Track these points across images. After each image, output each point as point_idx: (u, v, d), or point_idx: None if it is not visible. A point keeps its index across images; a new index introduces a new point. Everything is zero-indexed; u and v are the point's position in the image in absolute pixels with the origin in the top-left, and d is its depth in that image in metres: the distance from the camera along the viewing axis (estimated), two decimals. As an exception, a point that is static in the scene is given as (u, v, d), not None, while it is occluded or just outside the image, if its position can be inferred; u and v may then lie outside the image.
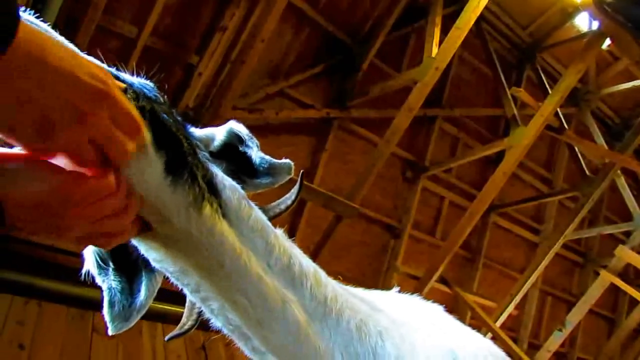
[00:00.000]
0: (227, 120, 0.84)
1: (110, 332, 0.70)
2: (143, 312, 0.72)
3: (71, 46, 0.49)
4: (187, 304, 0.91)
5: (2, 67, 0.42)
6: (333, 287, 0.79)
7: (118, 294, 0.71)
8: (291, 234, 0.81)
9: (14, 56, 0.42)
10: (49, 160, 0.49)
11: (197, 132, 0.78)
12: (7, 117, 0.45)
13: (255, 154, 0.80)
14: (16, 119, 0.45)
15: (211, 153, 0.78)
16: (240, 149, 0.80)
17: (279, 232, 0.77)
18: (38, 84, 0.44)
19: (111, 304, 0.70)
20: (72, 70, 0.46)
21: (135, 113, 0.53)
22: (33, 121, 0.45)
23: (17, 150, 0.49)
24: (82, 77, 0.47)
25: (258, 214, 0.74)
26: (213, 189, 0.68)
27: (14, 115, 0.45)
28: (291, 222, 4.85)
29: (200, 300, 0.74)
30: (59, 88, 0.45)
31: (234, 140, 0.81)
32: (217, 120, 3.82)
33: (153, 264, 0.70)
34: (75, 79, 0.46)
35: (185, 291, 0.74)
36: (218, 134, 0.82)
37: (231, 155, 0.80)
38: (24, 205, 0.47)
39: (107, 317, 0.70)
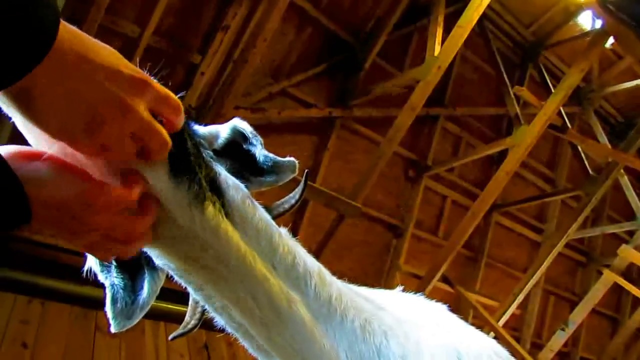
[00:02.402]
0: (230, 119, 0.84)
1: (112, 330, 0.70)
2: (146, 309, 0.71)
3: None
4: (190, 303, 0.91)
5: (52, 68, 0.42)
6: (337, 286, 0.79)
7: (121, 291, 0.70)
8: (293, 233, 0.80)
9: (61, 54, 0.42)
10: (76, 165, 0.50)
11: (200, 129, 0.77)
12: (58, 119, 0.45)
13: (259, 151, 0.79)
14: (67, 120, 0.45)
15: (215, 151, 0.77)
16: (244, 146, 0.80)
17: (283, 231, 0.76)
18: (86, 81, 0.45)
19: (114, 301, 0.70)
20: (114, 63, 0.47)
21: (172, 93, 0.55)
22: (82, 120, 0.46)
23: (42, 149, 0.50)
24: (123, 70, 0.48)
25: (262, 213, 0.74)
26: (216, 188, 0.68)
27: (65, 116, 0.45)
28: (293, 222, 4.85)
29: (203, 298, 0.74)
30: (105, 83, 0.46)
31: (237, 138, 0.80)
32: (219, 119, 3.82)
33: (156, 260, 0.69)
34: (118, 72, 0.47)
35: (189, 289, 0.73)
36: (222, 131, 0.81)
37: (235, 153, 0.79)
38: (48, 206, 0.48)
39: (109, 314, 0.69)
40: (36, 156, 0.49)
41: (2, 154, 0.47)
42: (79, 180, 0.50)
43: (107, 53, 0.47)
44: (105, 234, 0.53)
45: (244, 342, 0.78)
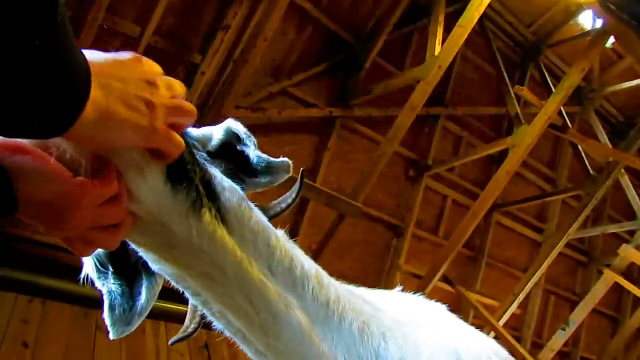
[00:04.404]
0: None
1: (111, 337, 0.69)
2: (144, 315, 0.70)
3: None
4: (190, 307, 0.90)
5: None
6: (335, 288, 0.78)
7: (118, 298, 0.69)
8: (294, 233, 0.80)
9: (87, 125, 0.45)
10: (58, 163, 0.50)
11: (194, 132, 0.76)
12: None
13: (253, 152, 0.78)
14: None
15: (209, 153, 0.76)
16: (239, 148, 0.78)
17: (280, 234, 0.76)
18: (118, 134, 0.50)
19: (112, 308, 0.69)
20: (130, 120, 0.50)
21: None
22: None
23: (27, 142, 0.50)
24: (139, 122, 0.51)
25: (259, 216, 0.73)
26: (212, 192, 0.67)
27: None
28: (294, 222, 4.84)
29: (201, 304, 0.73)
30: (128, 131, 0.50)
31: (232, 139, 0.78)
32: (220, 119, 3.78)
33: (152, 265, 0.68)
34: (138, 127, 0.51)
35: (186, 294, 0.73)
36: (216, 133, 0.79)
37: (230, 154, 0.78)
38: (31, 201, 0.48)
39: (108, 322, 0.69)
40: (19, 149, 0.48)
41: None
42: (62, 179, 0.50)
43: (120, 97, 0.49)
44: (84, 233, 0.54)
45: (243, 347, 0.77)
